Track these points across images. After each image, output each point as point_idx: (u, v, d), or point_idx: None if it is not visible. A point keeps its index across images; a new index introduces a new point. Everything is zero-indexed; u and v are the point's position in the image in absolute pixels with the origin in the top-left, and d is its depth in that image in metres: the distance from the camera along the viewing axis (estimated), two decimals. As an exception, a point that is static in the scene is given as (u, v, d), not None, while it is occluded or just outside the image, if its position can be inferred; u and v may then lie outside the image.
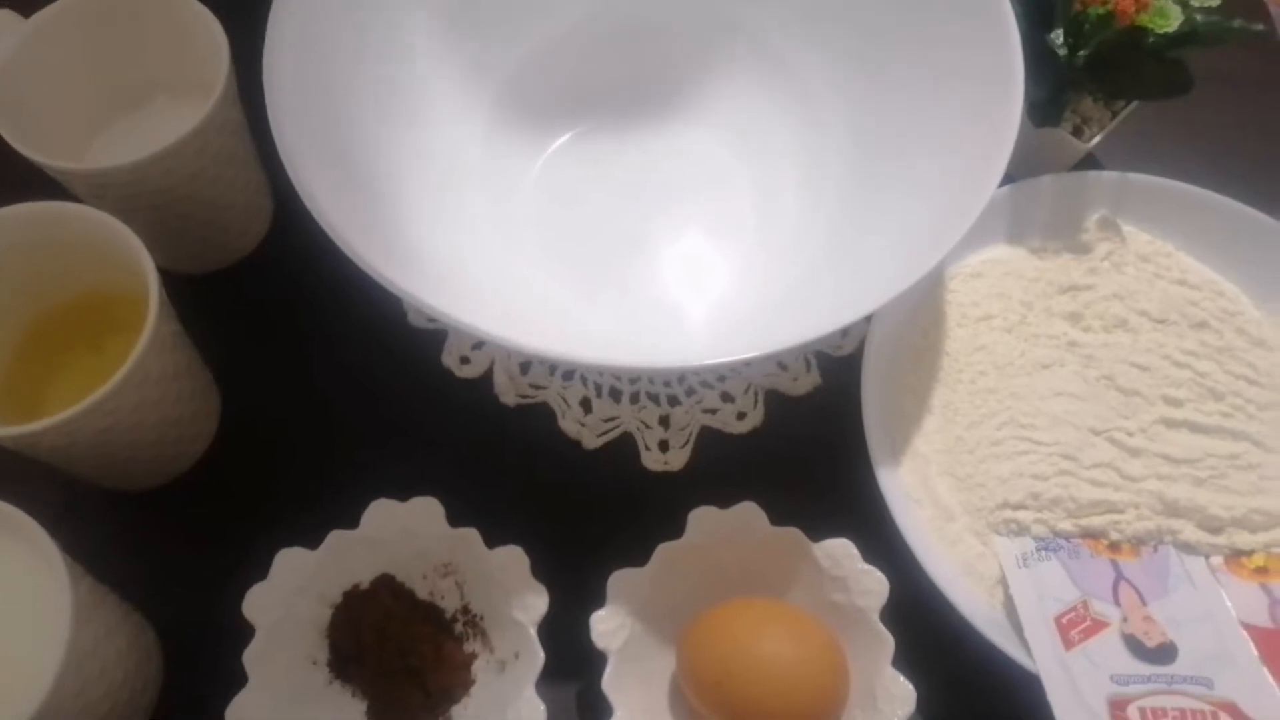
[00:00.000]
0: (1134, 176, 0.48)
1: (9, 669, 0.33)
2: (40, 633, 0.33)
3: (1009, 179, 0.46)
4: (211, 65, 0.42)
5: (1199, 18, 0.43)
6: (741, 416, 0.46)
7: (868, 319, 0.43)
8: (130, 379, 0.36)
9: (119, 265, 0.39)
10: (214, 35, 0.43)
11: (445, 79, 0.47)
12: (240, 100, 0.44)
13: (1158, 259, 0.47)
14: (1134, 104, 0.48)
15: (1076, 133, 0.48)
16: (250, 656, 0.37)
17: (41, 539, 0.34)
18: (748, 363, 0.46)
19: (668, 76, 0.50)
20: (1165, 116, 0.49)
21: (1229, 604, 0.39)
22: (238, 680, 0.37)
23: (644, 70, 0.50)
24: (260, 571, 0.38)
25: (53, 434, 0.36)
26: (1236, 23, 0.43)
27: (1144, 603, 0.39)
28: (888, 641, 0.37)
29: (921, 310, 0.46)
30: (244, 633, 0.37)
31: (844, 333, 0.47)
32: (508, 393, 0.46)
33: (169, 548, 0.43)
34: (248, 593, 0.38)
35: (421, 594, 0.40)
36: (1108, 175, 0.48)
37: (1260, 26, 0.44)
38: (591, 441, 0.45)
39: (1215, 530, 0.41)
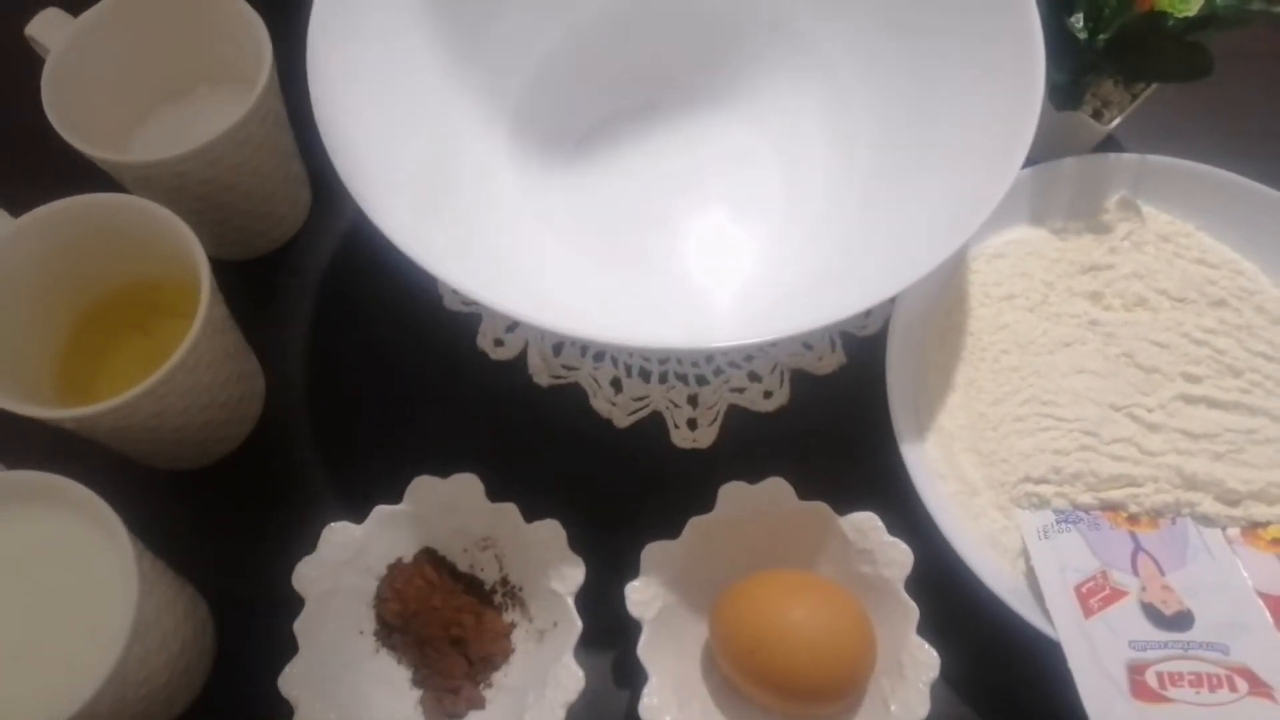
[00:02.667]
0: (1153, 158, 0.48)
1: (77, 639, 0.35)
2: (106, 605, 0.35)
3: (1030, 161, 0.46)
4: (251, 57, 0.44)
5: (1219, 0, 0.44)
6: (768, 395, 0.47)
7: (892, 299, 0.44)
8: (184, 363, 0.38)
9: (168, 253, 0.41)
10: (254, 29, 0.44)
11: (478, 64, 0.48)
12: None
13: (1177, 238, 0.48)
14: (1154, 86, 0.48)
15: (1097, 115, 0.48)
16: (300, 626, 0.39)
17: (108, 516, 0.35)
18: (774, 343, 0.47)
19: (696, 63, 0.51)
20: (1184, 97, 0.50)
21: (1245, 573, 0.40)
22: (288, 649, 0.38)
23: (672, 56, 0.51)
24: (308, 545, 0.40)
25: (112, 416, 0.37)
26: (1256, 5, 0.44)
27: (1162, 573, 0.40)
28: (913, 611, 0.38)
29: (945, 290, 0.47)
30: (293, 604, 0.39)
31: (868, 313, 0.48)
32: (541, 374, 0.47)
33: (220, 524, 0.45)
34: (297, 566, 0.39)
35: (462, 566, 0.42)
36: (1127, 157, 0.49)
37: (1280, 8, 0.44)
38: (622, 420, 0.46)
39: (1233, 503, 0.42)
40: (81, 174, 0.42)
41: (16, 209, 0.41)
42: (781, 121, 0.50)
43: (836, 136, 0.48)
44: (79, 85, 0.44)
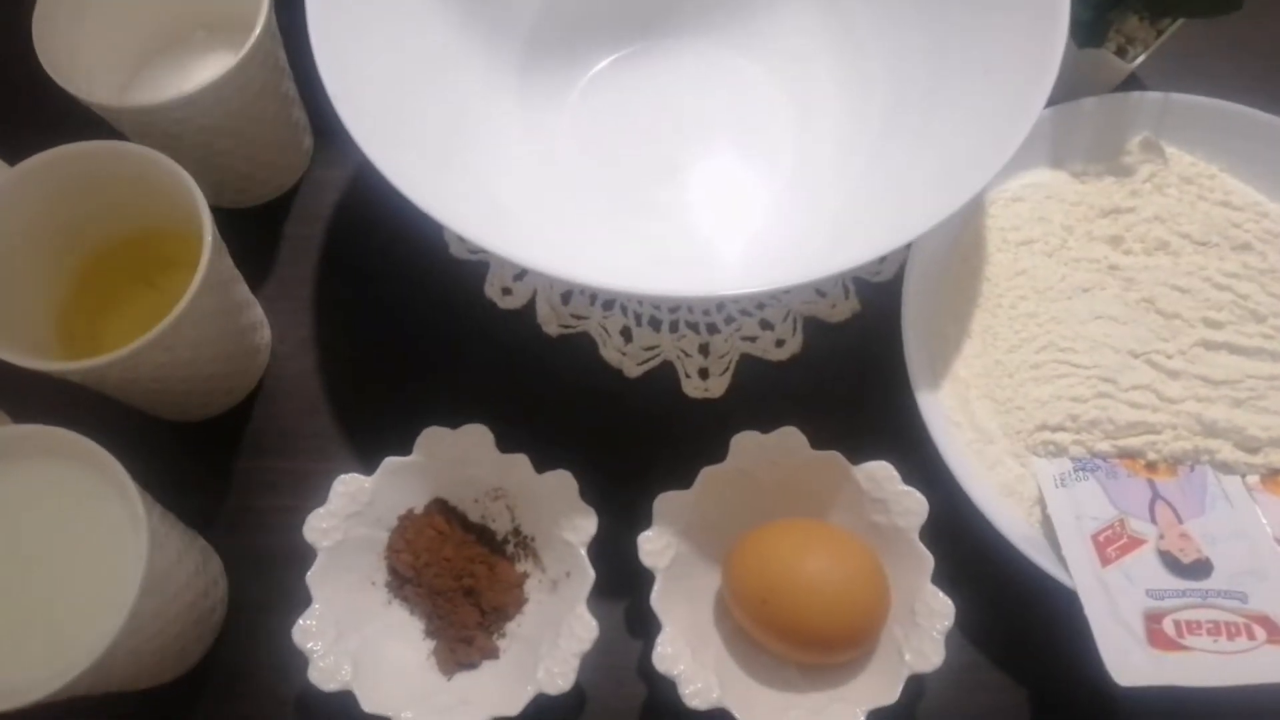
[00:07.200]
0: (1178, 97, 0.47)
1: (90, 594, 0.35)
2: (117, 559, 0.34)
3: (1050, 101, 0.45)
4: (249, 1, 0.42)
5: (1250, -70, 0.42)
6: (780, 343, 0.46)
7: (907, 245, 0.43)
8: (189, 312, 0.37)
9: (169, 202, 0.40)
10: (251, -31, 0.43)
11: (485, 3, 0.47)
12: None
13: (1201, 180, 0.47)
14: (1180, 21, 0.47)
15: (1120, 53, 0.47)
16: (313, 578, 0.39)
17: (116, 469, 0.35)
18: (786, 290, 0.46)
19: (703, 3, 0.50)
20: (1211, 34, 0.49)
21: (1264, 521, 0.40)
22: (300, 601, 0.38)
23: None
24: (318, 497, 0.40)
25: (118, 368, 0.37)
26: (1289, -66, 0.42)
27: (1180, 520, 0.40)
28: (927, 559, 0.38)
29: (961, 235, 0.46)
30: (305, 556, 0.39)
31: (882, 258, 0.47)
32: (550, 323, 0.47)
33: (229, 476, 0.44)
34: (308, 517, 0.39)
35: (474, 517, 0.42)
36: (1151, 96, 0.47)
37: (1314, -62, 0.43)
38: (633, 370, 0.46)
39: (1253, 450, 0.42)
40: (80, 122, 0.41)
41: (14, 157, 0.40)
42: (795, 65, 0.49)
43: (849, 76, 0.47)
44: (72, 30, 0.43)
